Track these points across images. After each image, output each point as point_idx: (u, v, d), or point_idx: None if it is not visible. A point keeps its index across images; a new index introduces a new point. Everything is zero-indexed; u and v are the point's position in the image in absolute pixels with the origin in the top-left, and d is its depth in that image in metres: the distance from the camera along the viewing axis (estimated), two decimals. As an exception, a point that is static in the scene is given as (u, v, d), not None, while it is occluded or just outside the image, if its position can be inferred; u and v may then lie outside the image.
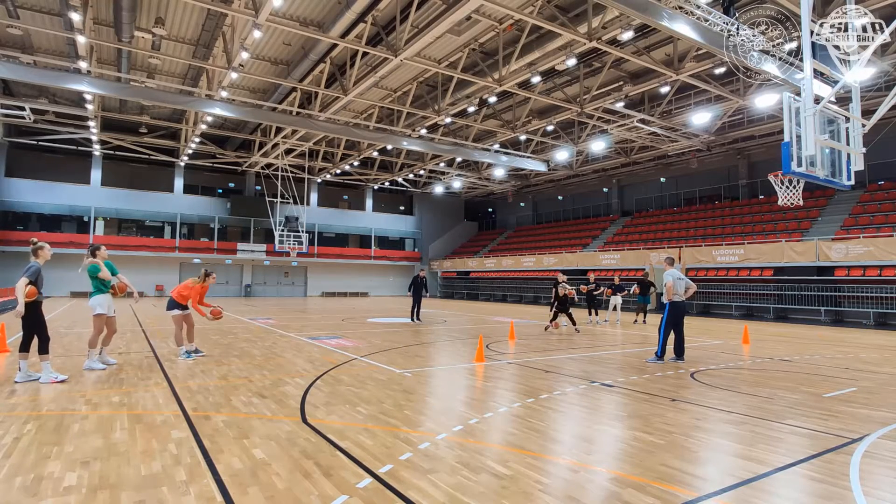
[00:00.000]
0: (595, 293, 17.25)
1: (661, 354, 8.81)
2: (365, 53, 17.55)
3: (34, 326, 6.57)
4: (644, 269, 24.26)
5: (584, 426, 4.99)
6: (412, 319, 16.53)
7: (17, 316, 6.45)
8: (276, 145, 28.54)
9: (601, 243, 31.26)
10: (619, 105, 20.62)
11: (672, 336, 8.94)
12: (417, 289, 16.67)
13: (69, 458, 3.90)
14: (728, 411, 5.55)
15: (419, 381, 7.09)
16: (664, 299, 8.78)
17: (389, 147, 28.02)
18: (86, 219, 31.90)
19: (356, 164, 33.56)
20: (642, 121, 22.50)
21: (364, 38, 15.98)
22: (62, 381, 6.58)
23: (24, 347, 6.59)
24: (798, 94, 7.16)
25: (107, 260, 7.73)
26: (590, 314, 17.42)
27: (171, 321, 8.65)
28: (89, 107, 21.82)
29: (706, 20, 11.03)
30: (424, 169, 33.68)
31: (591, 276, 17.81)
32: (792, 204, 9.36)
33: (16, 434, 4.45)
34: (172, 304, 8.61)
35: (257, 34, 14.16)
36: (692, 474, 3.74)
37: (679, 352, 8.97)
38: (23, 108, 21.95)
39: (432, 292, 42.91)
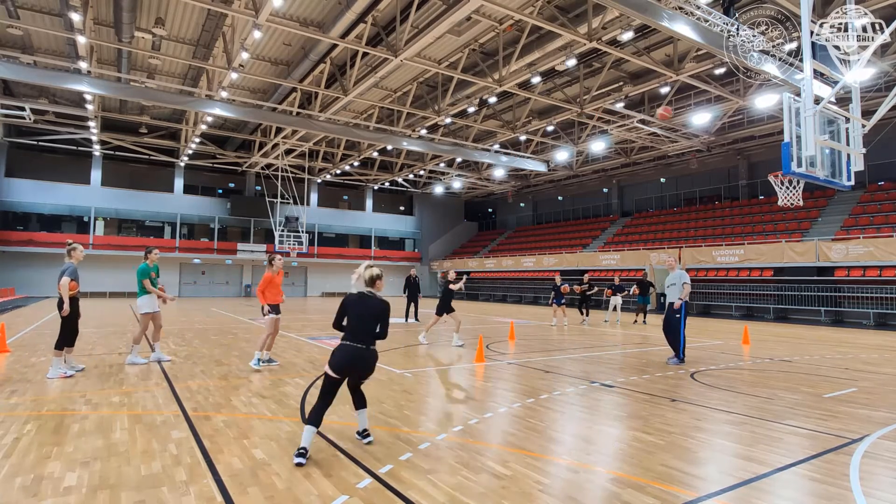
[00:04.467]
0: (589, 293, 17.23)
1: (683, 355, 8.75)
2: (365, 54, 17.54)
3: (71, 322, 6.88)
4: (644, 270, 24.27)
5: (584, 426, 4.99)
6: (405, 320, 16.51)
7: (63, 314, 6.73)
8: (276, 145, 28.54)
9: (601, 244, 31.26)
10: (619, 105, 20.62)
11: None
12: (412, 289, 16.64)
13: (69, 458, 3.90)
14: (728, 412, 5.55)
15: (419, 381, 7.09)
16: (678, 298, 8.66)
17: (389, 147, 28.02)
18: (86, 219, 31.90)
19: (356, 164, 33.56)
20: (642, 121, 22.50)
21: (364, 38, 15.98)
22: (70, 377, 6.83)
23: (60, 345, 6.90)
24: (798, 94, 7.17)
25: (156, 263, 8.09)
26: (581, 313, 17.42)
27: (266, 325, 7.93)
28: (89, 107, 21.82)
29: (706, 21, 11.03)
30: (424, 169, 33.69)
31: (586, 277, 17.83)
32: (792, 204, 9.36)
33: (16, 434, 4.45)
34: (272, 309, 7.90)
35: (257, 34, 14.16)
36: (692, 474, 3.75)
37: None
38: (23, 109, 21.95)
39: (432, 292, 42.89)
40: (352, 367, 4.09)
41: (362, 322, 4.13)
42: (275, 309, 7.91)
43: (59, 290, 6.77)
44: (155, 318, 8.11)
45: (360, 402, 4.34)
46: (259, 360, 7.79)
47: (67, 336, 6.91)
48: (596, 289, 17.85)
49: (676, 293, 8.70)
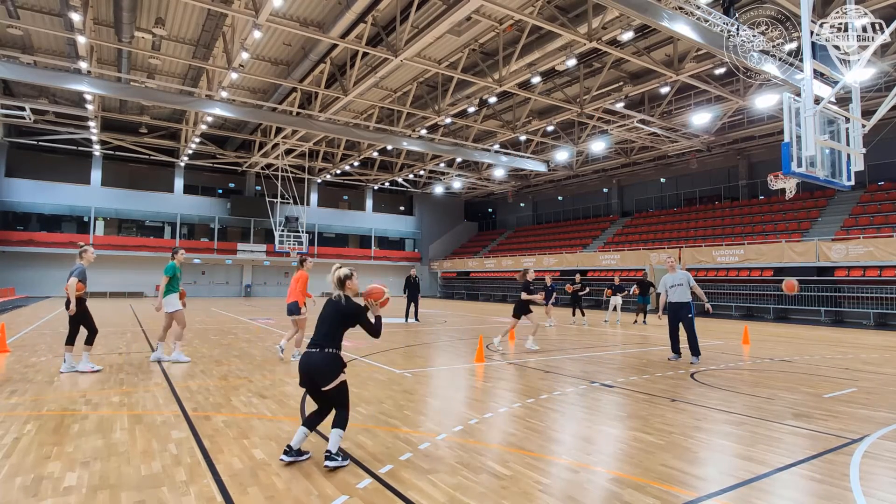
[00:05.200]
0: (580, 293, 17.20)
1: (699, 353, 8.88)
2: (365, 54, 17.55)
3: (81, 320, 7.19)
4: (644, 270, 24.27)
5: (584, 426, 4.99)
6: (406, 320, 16.51)
7: (70, 313, 7.04)
8: (276, 145, 28.55)
9: (601, 244, 31.27)
10: (619, 105, 20.62)
11: (675, 334, 9.03)
12: (412, 289, 16.63)
13: (69, 458, 3.90)
14: (728, 412, 5.54)
15: (419, 381, 7.09)
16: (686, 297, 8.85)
17: (389, 147, 28.03)
18: (86, 219, 31.90)
19: (356, 164, 33.57)
20: (642, 121, 22.50)
21: (364, 38, 15.99)
22: (97, 371, 7.22)
23: (70, 341, 7.24)
24: (798, 94, 7.17)
25: (181, 264, 8.41)
26: (573, 314, 17.37)
27: (295, 324, 8.53)
28: (89, 107, 21.82)
29: (706, 21, 11.03)
30: (424, 169, 33.69)
31: (577, 277, 17.82)
32: (793, 192, 9.38)
33: (16, 434, 4.45)
34: (296, 308, 8.38)
35: (257, 34, 14.16)
36: (692, 474, 3.74)
37: (676, 350, 9.05)
38: (23, 109, 21.95)
39: (432, 293, 42.91)
40: (304, 372, 3.89)
41: (319, 325, 3.97)
42: (297, 309, 8.39)
43: (66, 290, 7.03)
44: (177, 317, 8.25)
45: (335, 420, 3.89)
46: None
47: (91, 332, 7.24)
48: (588, 289, 17.82)
49: (682, 294, 8.79)
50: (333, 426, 3.87)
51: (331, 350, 3.87)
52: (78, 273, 7.05)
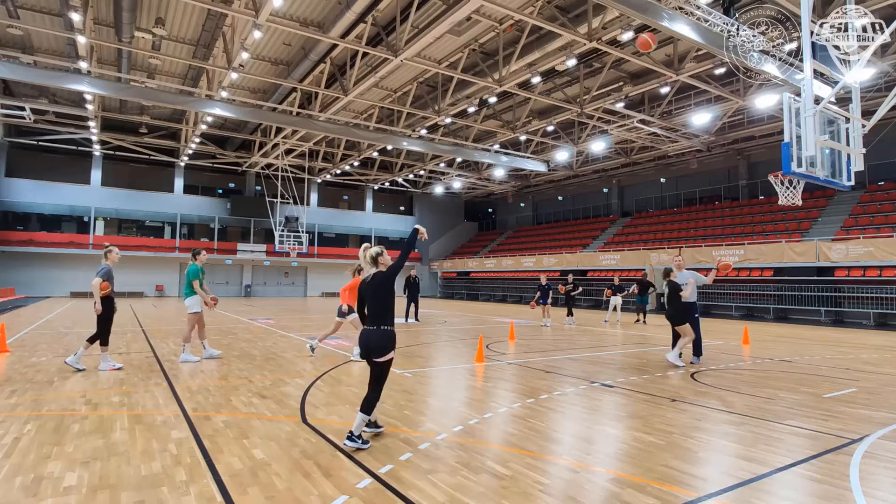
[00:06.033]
0: (573, 293, 17.16)
1: (701, 353, 8.91)
2: (365, 54, 17.54)
3: (108, 319, 7.35)
4: (644, 270, 24.27)
5: (584, 426, 4.99)
6: (406, 320, 16.54)
7: (97, 312, 7.20)
8: (276, 145, 28.54)
9: (601, 244, 31.27)
10: (619, 105, 20.62)
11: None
12: (412, 289, 16.66)
13: (69, 458, 3.90)
14: (728, 412, 5.55)
15: (419, 381, 7.09)
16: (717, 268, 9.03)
17: (389, 147, 28.02)
18: (86, 219, 31.89)
19: (356, 164, 33.56)
20: (642, 121, 22.50)
21: (364, 38, 15.99)
22: (119, 369, 7.42)
23: (104, 342, 7.40)
24: (798, 94, 7.16)
25: (203, 265, 8.53)
26: (569, 314, 17.31)
27: (338, 325, 8.95)
28: (89, 107, 21.82)
29: (706, 21, 11.02)
30: (424, 169, 33.68)
31: (570, 277, 17.81)
32: (792, 203, 9.37)
33: (16, 434, 4.45)
34: (350, 310, 8.80)
35: (257, 34, 14.16)
36: (692, 474, 3.74)
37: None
38: (23, 108, 21.95)
39: (432, 293, 42.89)
40: (364, 346, 4.33)
41: (370, 304, 4.39)
42: (351, 310, 8.74)
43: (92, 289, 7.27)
44: (191, 319, 8.38)
45: (364, 402, 4.28)
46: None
47: (106, 332, 7.36)
48: (580, 289, 17.81)
49: (689, 293, 8.81)
50: (360, 409, 4.27)
51: (385, 327, 4.31)
52: (103, 273, 7.21)
